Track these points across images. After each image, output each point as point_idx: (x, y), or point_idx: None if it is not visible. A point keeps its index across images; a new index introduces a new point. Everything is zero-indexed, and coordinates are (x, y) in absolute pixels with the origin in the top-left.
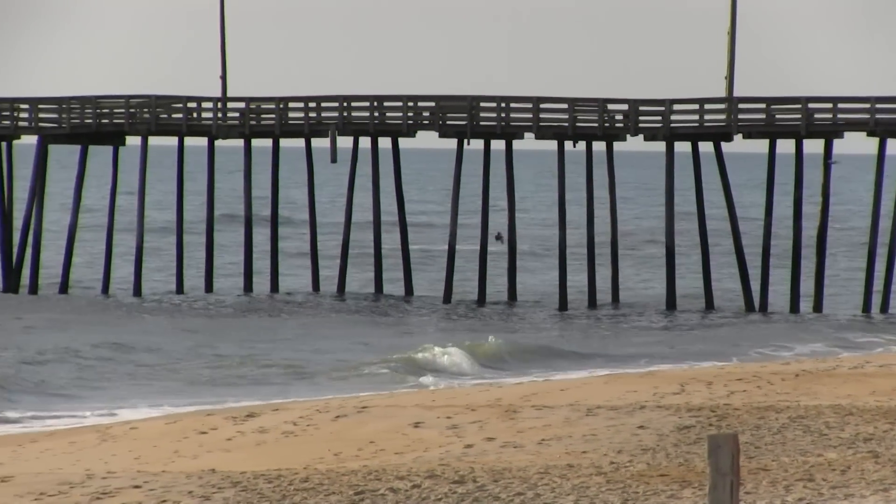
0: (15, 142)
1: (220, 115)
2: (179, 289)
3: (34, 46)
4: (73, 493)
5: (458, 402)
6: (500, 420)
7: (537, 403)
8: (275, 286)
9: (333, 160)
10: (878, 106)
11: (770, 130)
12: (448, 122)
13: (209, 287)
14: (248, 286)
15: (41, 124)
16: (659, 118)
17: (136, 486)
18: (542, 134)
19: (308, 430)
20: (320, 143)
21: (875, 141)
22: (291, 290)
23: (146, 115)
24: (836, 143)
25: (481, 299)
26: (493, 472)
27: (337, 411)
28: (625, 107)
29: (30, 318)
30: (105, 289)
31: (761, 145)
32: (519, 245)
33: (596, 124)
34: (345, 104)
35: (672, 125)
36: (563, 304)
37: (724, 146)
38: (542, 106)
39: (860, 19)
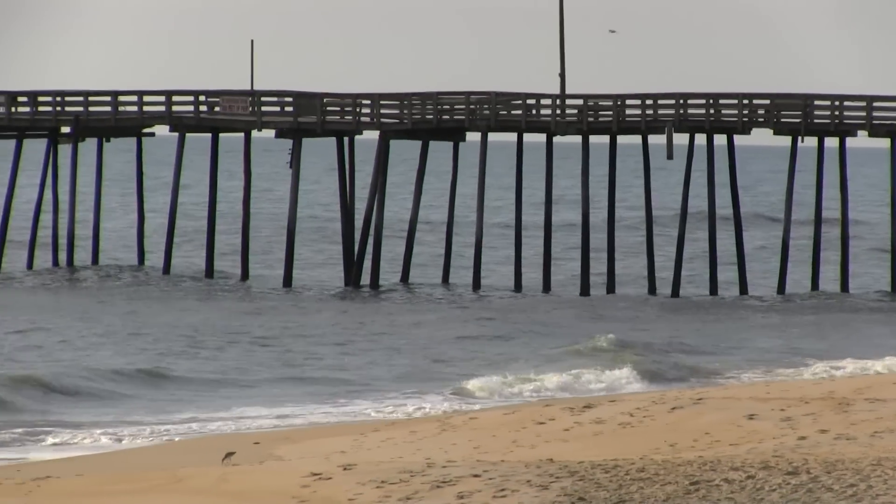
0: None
1: (558, 111)
2: (517, 287)
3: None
4: (414, 482)
5: (792, 395)
6: (833, 412)
7: (870, 396)
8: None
9: (670, 157)
10: None
11: None
12: (782, 120)
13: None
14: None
15: (383, 120)
16: None
17: (476, 475)
18: (875, 131)
19: (644, 421)
20: (656, 140)
21: None
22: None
23: (486, 112)
24: None
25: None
26: (825, 464)
27: (673, 403)
28: None
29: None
30: (446, 282)
31: None
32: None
33: None
34: (681, 101)
35: None
36: None
37: None
38: (875, 104)
39: None
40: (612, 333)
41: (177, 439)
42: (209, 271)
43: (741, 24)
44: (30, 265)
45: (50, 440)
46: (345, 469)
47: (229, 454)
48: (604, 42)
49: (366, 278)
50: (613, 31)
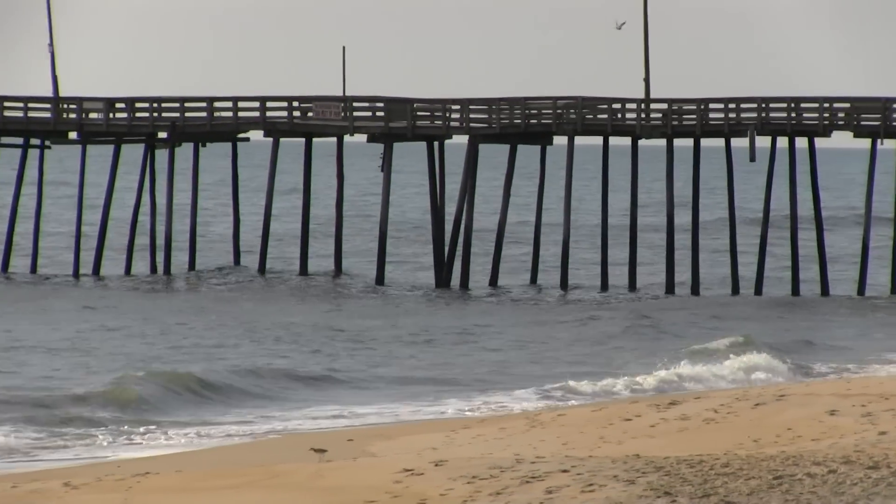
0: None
1: (643, 115)
2: (604, 287)
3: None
4: (503, 477)
5: (872, 391)
6: None
7: None
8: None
9: (752, 159)
10: None
11: None
12: (862, 123)
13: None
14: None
15: (472, 125)
16: None
17: (564, 471)
18: None
19: (728, 417)
20: (739, 143)
21: None
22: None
23: (572, 116)
24: None
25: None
26: None
27: (756, 399)
28: None
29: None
30: (534, 283)
31: None
32: None
33: None
34: (763, 105)
35: None
36: None
37: None
38: None
39: None
40: (740, 332)
41: (272, 437)
42: (303, 269)
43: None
44: (128, 270)
45: (158, 437)
46: (436, 465)
47: (321, 451)
48: (684, 47)
49: (456, 280)
50: (621, 26)
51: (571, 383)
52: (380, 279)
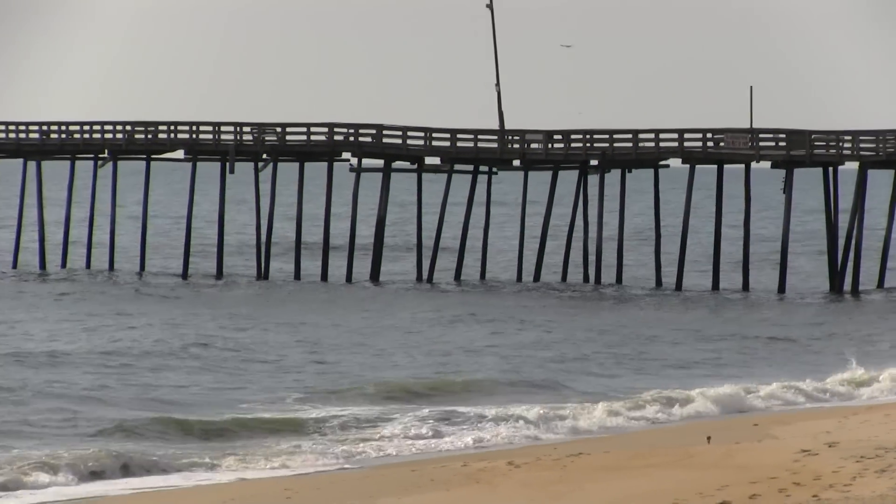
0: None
1: None
2: None
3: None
4: (887, 457)
5: None
6: None
7: None
8: None
9: None
10: None
11: None
12: None
13: None
14: None
15: (861, 153)
16: None
17: None
18: None
19: None
20: None
21: None
22: None
23: None
24: None
25: None
26: None
27: None
28: None
29: None
30: None
31: None
32: None
33: None
34: None
35: None
36: None
37: None
38: None
39: None
40: None
41: (681, 423)
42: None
43: None
44: (564, 278)
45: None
46: (829, 446)
47: (708, 437)
48: None
49: (848, 285)
50: (568, 46)
51: None
52: (782, 286)
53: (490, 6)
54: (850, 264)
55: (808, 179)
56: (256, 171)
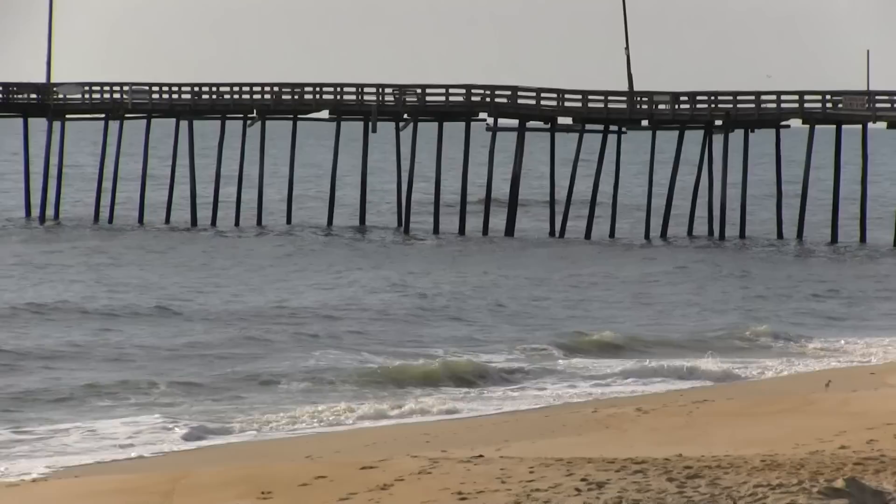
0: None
1: None
2: None
3: None
4: None
5: None
6: None
7: None
8: None
9: None
10: None
11: None
12: None
13: None
14: None
15: None
16: None
17: None
18: None
19: None
20: None
21: None
22: None
23: None
24: None
25: None
26: None
27: None
28: None
29: None
30: None
31: None
32: None
33: None
34: None
35: None
36: None
37: None
38: None
39: None
40: None
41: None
42: (833, 238)
43: None
44: (689, 232)
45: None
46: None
47: (827, 383)
48: None
49: None
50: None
51: None
52: None
53: None
54: None
55: None
56: (398, 130)
